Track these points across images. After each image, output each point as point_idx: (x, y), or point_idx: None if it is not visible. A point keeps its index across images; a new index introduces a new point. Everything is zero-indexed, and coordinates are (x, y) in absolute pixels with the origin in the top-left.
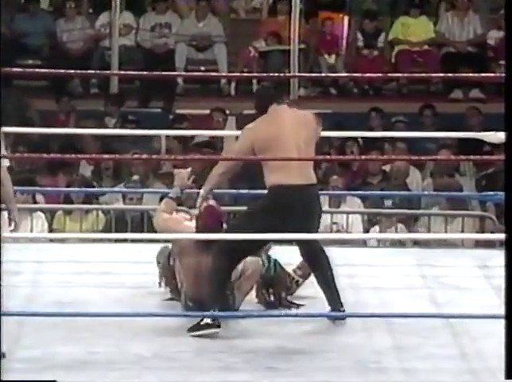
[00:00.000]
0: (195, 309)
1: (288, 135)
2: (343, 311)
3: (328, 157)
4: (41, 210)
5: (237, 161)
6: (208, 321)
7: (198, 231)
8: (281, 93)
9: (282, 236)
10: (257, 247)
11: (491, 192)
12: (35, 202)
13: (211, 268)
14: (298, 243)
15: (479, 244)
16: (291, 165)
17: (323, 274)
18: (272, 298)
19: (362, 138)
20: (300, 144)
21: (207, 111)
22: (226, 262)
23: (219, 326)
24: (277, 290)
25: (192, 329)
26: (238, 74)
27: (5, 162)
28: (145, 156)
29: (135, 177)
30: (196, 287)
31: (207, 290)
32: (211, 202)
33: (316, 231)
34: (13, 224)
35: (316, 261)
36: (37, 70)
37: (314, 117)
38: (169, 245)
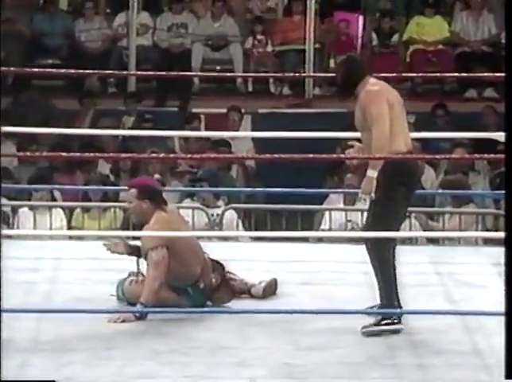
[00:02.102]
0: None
1: (395, 98)
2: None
3: (342, 155)
4: (60, 207)
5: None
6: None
7: None
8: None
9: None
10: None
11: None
12: (53, 199)
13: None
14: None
15: (492, 242)
16: (404, 130)
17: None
18: None
19: None
20: (402, 110)
21: (223, 110)
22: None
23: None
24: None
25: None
26: (253, 73)
27: None
28: (162, 155)
29: (156, 176)
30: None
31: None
32: None
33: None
34: None
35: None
36: (56, 70)
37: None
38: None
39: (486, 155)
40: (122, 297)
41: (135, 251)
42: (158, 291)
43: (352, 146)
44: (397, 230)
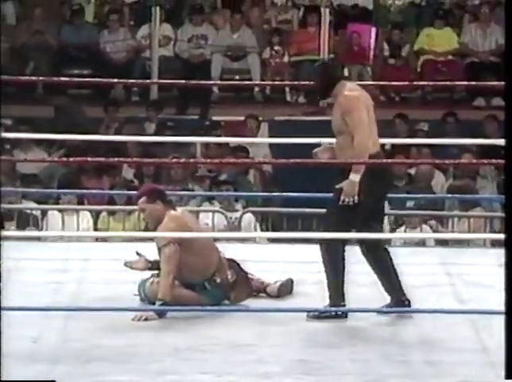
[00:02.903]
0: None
1: (370, 103)
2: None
3: (355, 161)
4: (87, 210)
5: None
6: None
7: None
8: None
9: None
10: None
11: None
12: (80, 202)
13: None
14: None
15: (500, 244)
16: (374, 131)
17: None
18: None
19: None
20: (373, 114)
21: (241, 118)
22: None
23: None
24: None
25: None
26: (270, 82)
27: None
28: (183, 160)
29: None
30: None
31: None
32: None
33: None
34: None
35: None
36: (83, 79)
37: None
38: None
39: (493, 161)
40: (143, 296)
41: (155, 265)
42: (173, 285)
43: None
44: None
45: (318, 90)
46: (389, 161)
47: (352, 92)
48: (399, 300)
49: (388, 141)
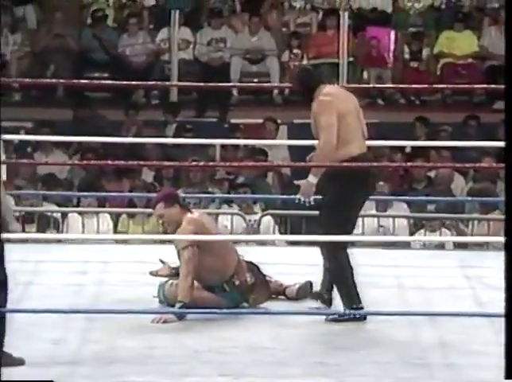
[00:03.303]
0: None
1: (351, 102)
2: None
3: (376, 164)
4: (107, 212)
5: (335, 135)
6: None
7: None
8: (324, 75)
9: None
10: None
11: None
12: (100, 205)
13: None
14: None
15: None
16: (357, 134)
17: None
18: None
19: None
20: (357, 118)
21: (260, 121)
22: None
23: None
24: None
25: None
26: (289, 85)
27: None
28: (202, 163)
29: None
30: (209, 274)
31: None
32: None
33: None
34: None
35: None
36: (103, 82)
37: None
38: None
39: None
40: (163, 299)
41: (178, 270)
42: (192, 287)
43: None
44: (350, 233)
45: (299, 94)
46: (371, 164)
47: (325, 97)
48: (352, 306)
49: (403, 143)
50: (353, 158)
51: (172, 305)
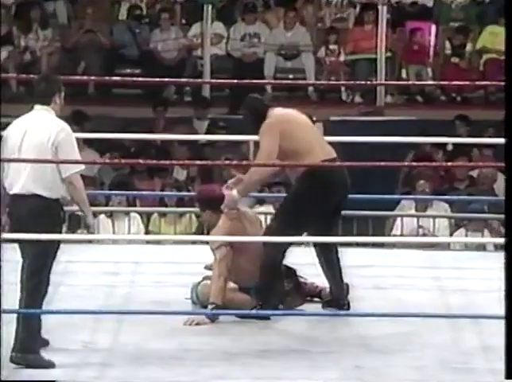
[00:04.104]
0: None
1: (301, 117)
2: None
3: (414, 163)
4: (137, 212)
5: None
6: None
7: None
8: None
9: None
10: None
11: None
12: (130, 205)
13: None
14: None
15: None
16: (315, 146)
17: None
18: None
19: (452, 144)
20: (313, 129)
21: None
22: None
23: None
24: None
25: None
26: (324, 81)
27: (80, 167)
28: (235, 162)
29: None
30: (245, 275)
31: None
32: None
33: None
34: (90, 225)
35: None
36: (134, 78)
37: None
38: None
39: None
40: (196, 300)
41: None
42: (225, 288)
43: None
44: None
45: (252, 124)
46: (450, 164)
47: (269, 119)
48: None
49: (444, 140)
50: (322, 162)
51: (205, 307)
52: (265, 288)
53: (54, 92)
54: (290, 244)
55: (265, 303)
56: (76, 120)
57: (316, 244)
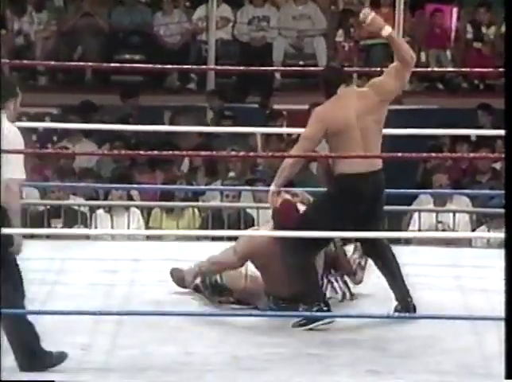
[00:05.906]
0: (282, 308)
1: (354, 122)
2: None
3: (434, 155)
4: (137, 206)
5: (309, 149)
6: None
7: (276, 228)
8: (349, 75)
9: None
10: (327, 241)
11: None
12: (130, 199)
13: (292, 266)
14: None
15: None
16: (356, 153)
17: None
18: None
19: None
20: (365, 132)
21: (306, 107)
22: (304, 256)
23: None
24: (341, 272)
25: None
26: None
27: (22, 176)
28: (242, 153)
29: (231, 174)
30: (283, 285)
31: (300, 288)
32: (287, 196)
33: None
34: (16, 244)
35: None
36: (135, 65)
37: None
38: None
39: None
40: (210, 287)
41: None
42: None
43: None
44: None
45: (322, 90)
46: (471, 155)
47: (324, 107)
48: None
49: (466, 132)
50: (346, 175)
51: (231, 292)
52: (310, 289)
53: (6, 99)
54: (319, 246)
55: (319, 301)
56: (84, 111)
57: (367, 253)
